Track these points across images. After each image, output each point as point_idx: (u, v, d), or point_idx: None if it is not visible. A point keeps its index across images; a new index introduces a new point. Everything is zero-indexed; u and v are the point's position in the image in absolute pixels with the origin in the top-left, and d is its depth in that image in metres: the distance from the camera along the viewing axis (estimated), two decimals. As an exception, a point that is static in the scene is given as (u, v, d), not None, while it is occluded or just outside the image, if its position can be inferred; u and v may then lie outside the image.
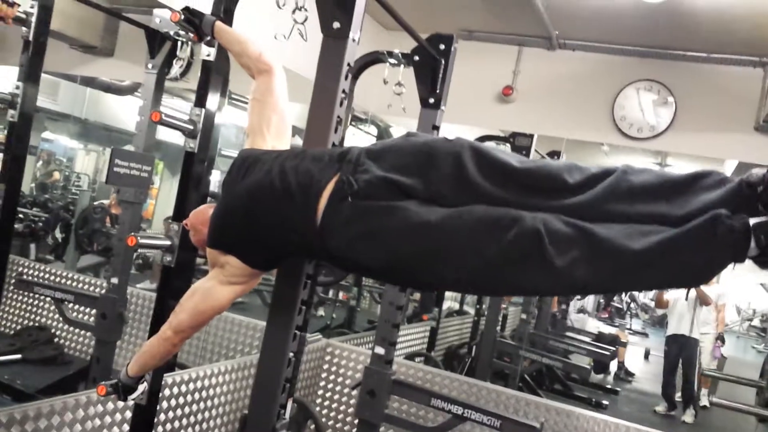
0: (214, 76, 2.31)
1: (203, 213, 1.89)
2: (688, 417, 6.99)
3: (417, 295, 6.62)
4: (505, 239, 1.38)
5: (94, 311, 3.36)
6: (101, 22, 4.60)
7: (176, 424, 2.80)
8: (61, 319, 3.90)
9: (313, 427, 3.39)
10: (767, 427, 5.36)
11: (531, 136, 5.10)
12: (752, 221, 1.28)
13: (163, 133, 3.35)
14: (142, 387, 2.01)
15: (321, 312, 7.35)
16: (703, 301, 6.97)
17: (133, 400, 2.03)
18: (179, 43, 3.35)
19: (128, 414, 2.42)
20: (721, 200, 1.33)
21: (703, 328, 7.31)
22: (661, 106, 4.54)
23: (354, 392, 3.68)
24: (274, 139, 1.94)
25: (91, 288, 4.41)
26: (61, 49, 4.55)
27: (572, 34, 4.70)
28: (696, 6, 3.77)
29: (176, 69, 3.53)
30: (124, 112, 7.76)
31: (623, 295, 14.16)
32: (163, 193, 9.64)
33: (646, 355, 11.03)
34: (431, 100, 2.98)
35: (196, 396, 2.91)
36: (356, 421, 3.17)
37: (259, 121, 1.94)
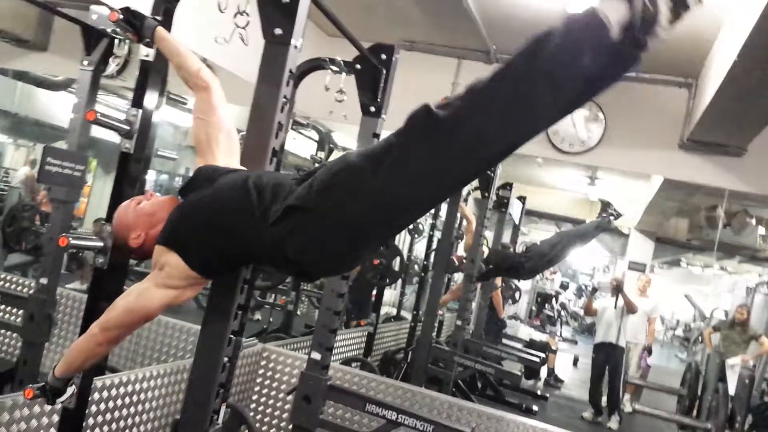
0: (152, 76, 2.27)
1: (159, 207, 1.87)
2: (614, 423, 7.22)
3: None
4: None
5: (21, 312, 3.26)
6: (35, 16, 4.48)
7: (105, 429, 2.74)
8: (-15, 320, 3.76)
9: (246, 432, 3.37)
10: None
11: (469, 147, 5.19)
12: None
13: (97, 131, 3.28)
14: (71, 390, 1.96)
15: (258, 316, 7.29)
16: (629, 308, 7.23)
17: (61, 403, 1.99)
18: (116, 41, 3.29)
19: (56, 418, 2.36)
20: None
21: (633, 337, 7.60)
22: (592, 122, 4.71)
23: (289, 397, 3.68)
24: (225, 156, 1.94)
25: (19, 288, 4.27)
26: (-7, 42, 4.41)
27: (509, 48, 4.82)
28: (626, 27, 3.93)
29: (113, 66, 3.46)
30: (57, 108, 7.53)
31: (554, 302, 14.54)
32: (96, 191, 9.39)
33: (575, 361, 11.37)
34: (372, 109, 3.03)
35: (127, 400, 2.85)
36: (291, 427, 3.17)
37: (207, 140, 1.94)
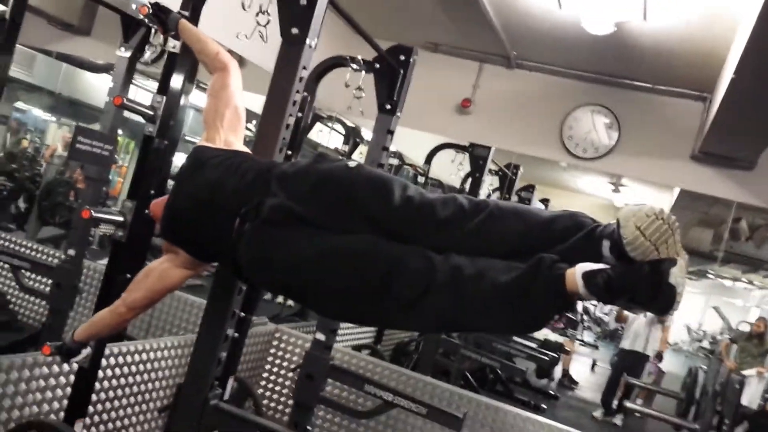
0: (178, 66, 2.45)
1: (162, 203, 2.01)
2: (618, 420, 7.52)
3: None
4: (371, 278, 1.56)
5: (49, 281, 3.48)
6: (80, 2, 4.70)
7: (118, 392, 2.94)
8: (17, 286, 3.99)
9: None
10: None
11: (488, 148, 5.30)
12: (584, 269, 1.40)
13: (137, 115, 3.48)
14: (86, 351, 2.17)
15: (281, 298, 7.44)
16: (661, 318, 7.36)
17: (76, 362, 2.19)
18: (153, 30, 3.47)
19: (72, 378, 2.56)
20: (567, 248, 1.47)
21: (652, 344, 7.74)
22: (608, 129, 4.78)
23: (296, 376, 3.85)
24: (227, 132, 2.10)
25: (49, 258, 4.51)
26: (39, 25, 4.63)
27: (529, 55, 4.93)
28: (640, 40, 4.02)
29: (148, 54, 3.65)
30: (98, 89, 7.80)
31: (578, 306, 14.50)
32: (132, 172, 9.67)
33: (593, 366, 11.39)
34: (388, 106, 3.13)
35: (141, 367, 3.05)
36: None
37: (213, 116, 2.09)
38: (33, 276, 4.14)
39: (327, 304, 1.68)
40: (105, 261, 5.88)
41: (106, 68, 6.12)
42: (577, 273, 1.40)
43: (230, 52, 2.26)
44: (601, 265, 1.40)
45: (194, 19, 2.36)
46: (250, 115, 2.31)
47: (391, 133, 3.19)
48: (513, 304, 1.45)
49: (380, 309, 1.58)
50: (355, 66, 3.11)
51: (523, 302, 1.44)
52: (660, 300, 1.37)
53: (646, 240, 1.37)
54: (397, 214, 1.61)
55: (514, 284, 1.44)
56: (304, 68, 2.19)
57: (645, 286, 1.37)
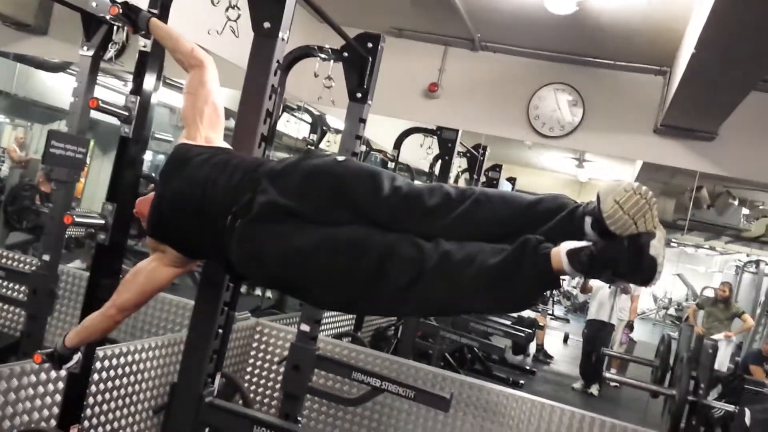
0: (149, 65, 2.43)
1: (147, 202, 2.01)
2: (594, 390, 7.68)
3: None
4: (363, 267, 1.58)
5: (22, 288, 3.42)
6: (35, 2, 4.60)
7: (107, 395, 2.93)
8: (-11, 295, 3.91)
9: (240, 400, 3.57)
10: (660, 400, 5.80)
11: (456, 131, 5.35)
12: (568, 247, 1.44)
13: (95, 112, 3.41)
14: (77, 357, 2.15)
15: (258, 291, 7.43)
16: (624, 288, 7.54)
17: (67, 369, 2.17)
18: (115, 28, 3.41)
19: (60, 385, 2.54)
20: (551, 228, 1.53)
21: (619, 314, 7.93)
22: (572, 107, 4.88)
23: (281, 369, 3.86)
24: (207, 129, 2.09)
25: (21, 265, 4.42)
26: (-6, 27, 4.52)
27: (493, 37, 4.98)
28: (601, 19, 4.09)
29: (111, 52, 3.59)
30: (55, 89, 7.63)
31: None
32: (94, 172, 9.49)
33: (565, 339, 11.62)
34: (359, 95, 3.14)
35: (127, 369, 3.04)
36: (282, 394, 3.35)
37: (192, 113, 2.08)
38: (6, 284, 4.05)
39: (321, 294, 1.70)
40: (75, 264, 5.85)
41: (62, 67, 5.99)
42: (561, 251, 1.45)
43: (202, 48, 2.25)
44: (584, 243, 1.45)
45: (163, 16, 2.33)
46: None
47: (363, 121, 3.20)
48: (502, 285, 1.49)
49: (374, 297, 1.61)
50: (323, 56, 3.11)
51: (511, 283, 1.48)
52: (642, 271, 1.43)
53: (624, 214, 1.42)
54: (387, 204, 1.64)
55: (502, 266, 1.49)
56: (278, 61, 2.19)
57: (627, 260, 1.43)
